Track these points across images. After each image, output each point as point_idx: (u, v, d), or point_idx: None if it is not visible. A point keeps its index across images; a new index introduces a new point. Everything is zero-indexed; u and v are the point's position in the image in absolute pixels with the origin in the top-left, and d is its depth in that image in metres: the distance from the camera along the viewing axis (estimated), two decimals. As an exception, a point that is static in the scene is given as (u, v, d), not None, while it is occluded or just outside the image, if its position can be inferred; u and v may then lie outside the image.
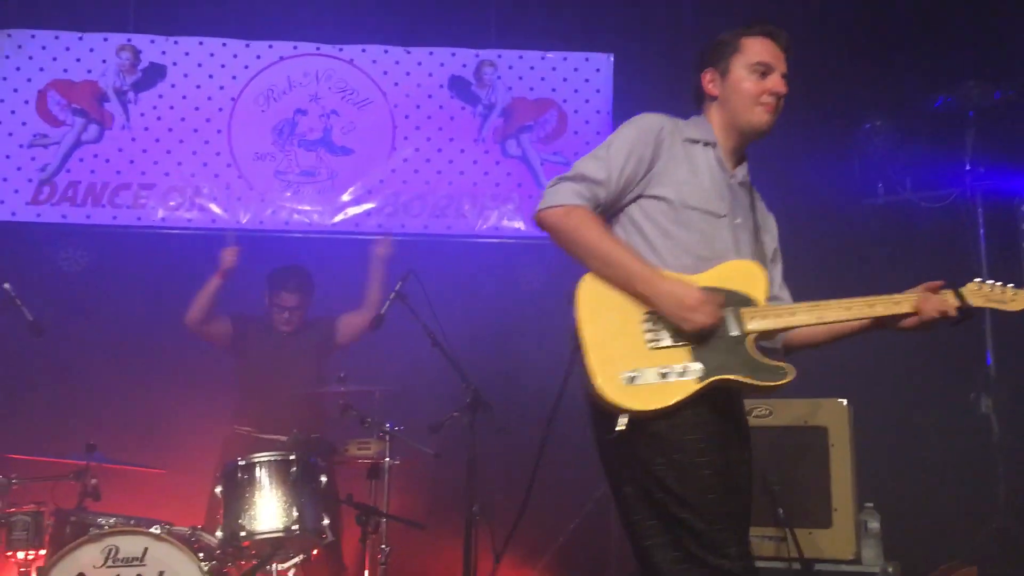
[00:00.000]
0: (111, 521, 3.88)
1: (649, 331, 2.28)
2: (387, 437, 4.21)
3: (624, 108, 5.75)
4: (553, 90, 5.83)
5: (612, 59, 5.86)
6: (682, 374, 2.24)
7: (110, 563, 3.73)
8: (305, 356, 4.74)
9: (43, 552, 3.97)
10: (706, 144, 2.49)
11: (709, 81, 2.54)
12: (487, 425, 4.21)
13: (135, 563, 3.75)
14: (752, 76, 2.47)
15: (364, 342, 4.73)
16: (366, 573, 4.13)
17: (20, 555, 3.98)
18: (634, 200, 2.43)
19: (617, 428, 2.19)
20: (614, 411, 2.21)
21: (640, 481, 2.29)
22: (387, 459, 4.20)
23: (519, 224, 5.71)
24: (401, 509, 4.22)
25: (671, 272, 2.34)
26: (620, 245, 2.35)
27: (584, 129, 5.80)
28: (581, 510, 5.46)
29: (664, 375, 2.23)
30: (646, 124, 2.46)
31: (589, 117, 5.81)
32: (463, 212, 5.70)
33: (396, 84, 5.77)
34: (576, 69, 5.85)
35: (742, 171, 2.57)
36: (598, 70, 5.85)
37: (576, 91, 5.84)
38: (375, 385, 4.42)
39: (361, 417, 4.23)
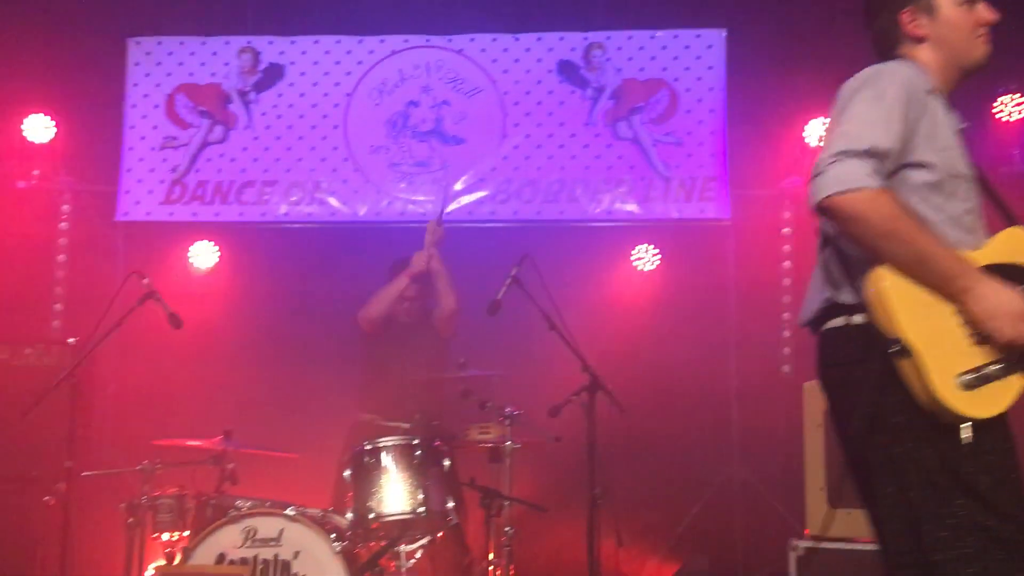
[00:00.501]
0: (247, 504, 4.06)
1: (967, 324, 2.06)
2: (507, 421, 4.24)
3: (738, 85, 5.62)
4: (664, 69, 5.74)
5: (724, 35, 5.72)
6: (1010, 370, 2.06)
7: (249, 544, 3.90)
8: (425, 346, 4.81)
9: (186, 534, 4.18)
10: (938, 93, 2.21)
11: (910, 22, 2.27)
12: (605, 407, 4.21)
13: (272, 543, 3.90)
14: (963, 9, 2.26)
15: (482, 328, 4.77)
16: (491, 556, 4.18)
17: (165, 536, 4.20)
18: (897, 170, 2.11)
19: (963, 438, 2.01)
20: (954, 420, 2.01)
21: (938, 486, 2.04)
22: (508, 443, 4.24)
23: (632, 207, 5.66)
24: (523, 492, 4.25)
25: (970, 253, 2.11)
26: (935, 237, 2.06)
27: (697, 108, 5.70)
28: (703, 495, 5.42)
29: (995, 374, 2.05)
30: (907, 78, 2.13)
31: (702, 95, 5.70)
32: (575, 196, 5.69)
33: (505, 71, 5.79)
34: (687, 47, 5.75)
35: (957, 119, 2.29)
36: (710, 47, 5.73)
37: (687, 69, 5.73)
38: (494, 370, 4.46)
39: (481, 402, 4.28)
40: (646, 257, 5.75)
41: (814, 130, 5.41)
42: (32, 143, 5.71)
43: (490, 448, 4.30)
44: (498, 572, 4.17)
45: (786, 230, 5.65)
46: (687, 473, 5.42)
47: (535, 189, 5.71)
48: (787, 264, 5.60)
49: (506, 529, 4.14)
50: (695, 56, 5.73)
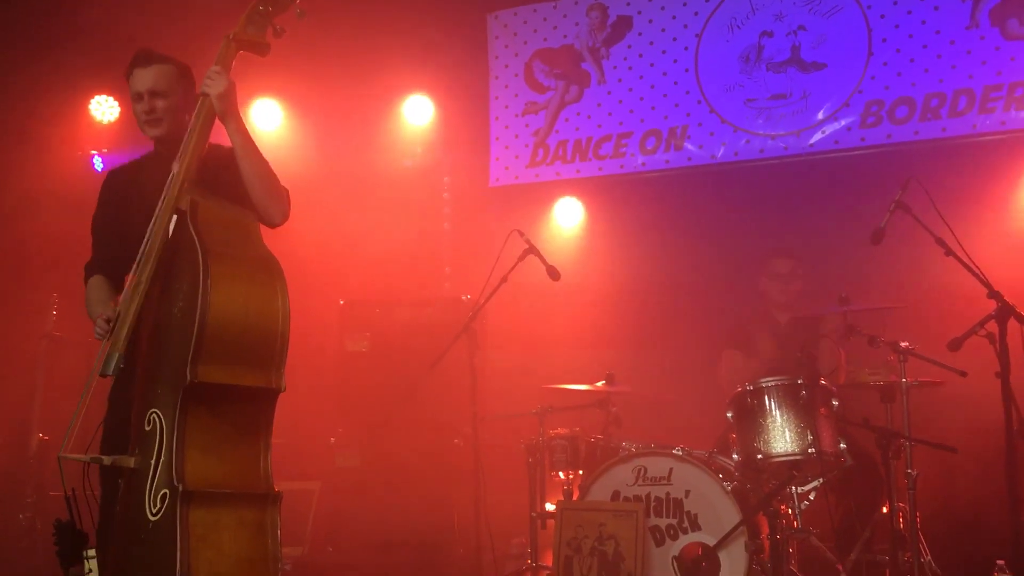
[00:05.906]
0: (634, 445, 4.18)
1: None
2: (901, 357, 3.95)
3: None
4: (1064, -52, 4.95)
5: None
6: None
7: (640, 482, 4.03)
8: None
9: (580, 472, 4.41)
10: None
11: None
12: (1020, 336, 3.75)
13: (662, 482, 3.99)
14: None
15: (865, 259, 4.46)
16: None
17: (561, 475, 4.47)
18: None
19: None
20: None
21: None
22: (903, 379, 3.94)
23: (1031, 115, 4.96)
24: (924, 432, 3.93)
25: None
26: None
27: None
28: None
29: None
30: None
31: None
32: (959, 110, 5.11)
33: (868, -17, 5.34)
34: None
35: None
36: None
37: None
38: (881, 303, 4.17)
39: (870, 338, 4.02)
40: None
41: None
42: (413, 124, 6.30)
43: (881, 386, 4.04)
44: (901, 518, 3.92)
45: None
46: None
47: (910, 107, 5.22)
48: None
49: (908, 471, 3.87)
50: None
